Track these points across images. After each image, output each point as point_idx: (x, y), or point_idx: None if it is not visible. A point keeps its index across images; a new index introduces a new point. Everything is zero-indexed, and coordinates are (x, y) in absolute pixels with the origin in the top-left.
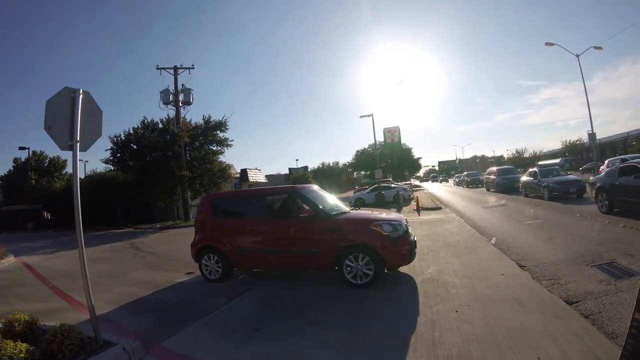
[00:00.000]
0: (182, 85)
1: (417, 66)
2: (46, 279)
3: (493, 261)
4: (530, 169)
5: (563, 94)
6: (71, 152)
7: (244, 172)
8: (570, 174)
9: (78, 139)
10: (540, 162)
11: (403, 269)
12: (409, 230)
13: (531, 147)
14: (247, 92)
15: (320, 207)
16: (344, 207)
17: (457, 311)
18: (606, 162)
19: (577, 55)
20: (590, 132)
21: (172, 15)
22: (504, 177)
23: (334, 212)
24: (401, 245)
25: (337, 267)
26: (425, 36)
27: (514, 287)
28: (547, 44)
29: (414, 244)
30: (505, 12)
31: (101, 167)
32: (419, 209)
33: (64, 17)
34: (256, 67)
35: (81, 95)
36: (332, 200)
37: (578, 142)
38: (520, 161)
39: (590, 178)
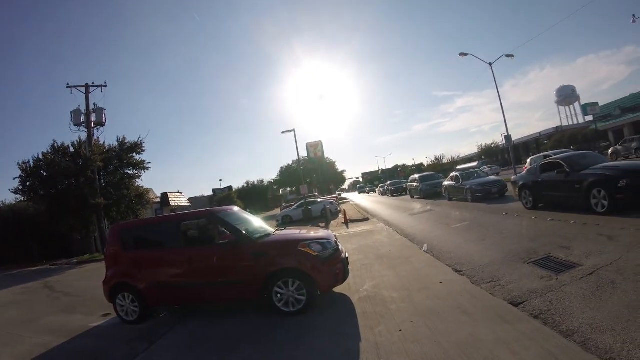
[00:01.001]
0: (94, 104)
1: (336, 81)
2: None
3: (428, 269)
4: (452, 174)
5: (476, 102)
6: None
7: (164, 196)
8: (490, 176)
9: None
10: (458, 167)
11: (338, 289)
12: (340, 247)
13: (449, 153)
14: (166, 112)
15: (242, 230)
16: (268, 229)
17: (400, 330)
18: (529, 159)
19: (490, 64)
20: (506, 134)
21: (85, 30)
22: (426, 183)
23: (257, 235)
24: (333, 265)
25: (266, 295)
26: (342, 52)
27: (455, 295)
28: (461, 54)
29: (346, 261)
30: (416, 27)
31: (11, 198)
32: (347, 222)
33: None
34: (176, 87)
35: None
36: (254, 221)
37: (493, 145)
38: (440, 167)
39: (512, 177)
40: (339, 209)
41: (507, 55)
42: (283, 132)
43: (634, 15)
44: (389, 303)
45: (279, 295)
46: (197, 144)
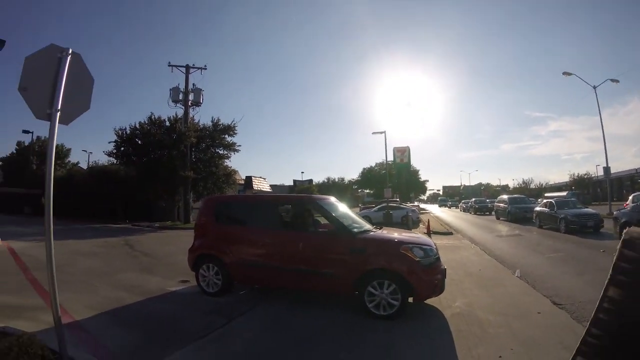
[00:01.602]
0: (193, 84)
1: (424, 90)
2: (28, 268)
3: (524, 296)
4: (546, 200)
5: (570, 127)
6: (49, 122)
7: (248, 179)
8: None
9: (59, 108)
10: (546, 194)
11: (428, 301)
12: (439, 257)
13: (536, 178)
14: (255, 100)
15: (342, 222)
16: (366, 225)
17: (500, 357)
18: (631, 197)
19: (594, 87)
20: (605, 166)
21: (185, 16)
22: (516, 206)
23: (356, 230)
24: (433, 274)
25: (357, 293)
26: (433, 61)
27: (556, 329)
28: (564, 73)
29: (444, 273)
30: (511, 42)
31: (103, 160)
32: (429, 233)
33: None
34: (266, 78)
35: (69, 57)
36: (353, 215)
37: (586, 176)
38: (527, 191)
39: (614, 212)
40: (419, 218)
41: (612, 80)
42: (374, 133)
43: None
44: (485, 325)
45: (371, 296)
46: (282, 136)
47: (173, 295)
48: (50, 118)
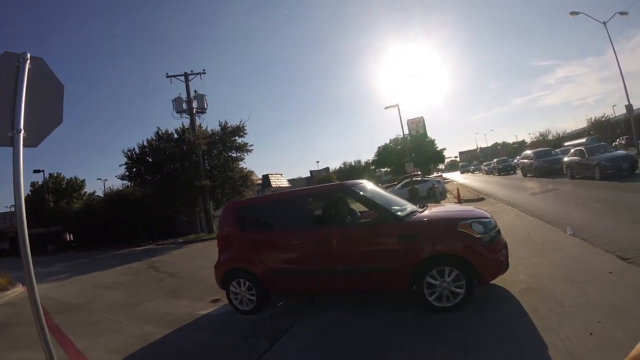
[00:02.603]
0: (195, 91)
1: (427, 58)
2: (49, 314)
3: (587, 256)
4: (576, 148)
5: (578, 71)
6: (11, 147)
7: (265, 177)
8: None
9: (21, 128)
10: (566, 143)
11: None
12: (499, 229)
13: (552, 128)
14: (262, 97)
15: (385, 207)
16: (410, 205)
17: (591, 333)
18: None
19: (604, 23)
20: (627, 103)
21: (180, 21)
22: (542, 159)
23: (402, 213)
24: (497, 250)
25: (414, 287)
26: (433, 22)
27: (635, 288)
28: (572, 13)
29: (507, 247)
30: None
31: (118, 184)
32: (460, 202)
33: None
34: (269, 72)
35: (28, 63)
36: (392, 197)
37: (604, 118)
38: (545, 144)
39: None
40: (445, 188)
41: (621, 13)
42: (386, 108)
43: None
44: (560, 298)
45: (431, 288)
46: (292, 128)
47: (205, 319)
48: (12, 142)
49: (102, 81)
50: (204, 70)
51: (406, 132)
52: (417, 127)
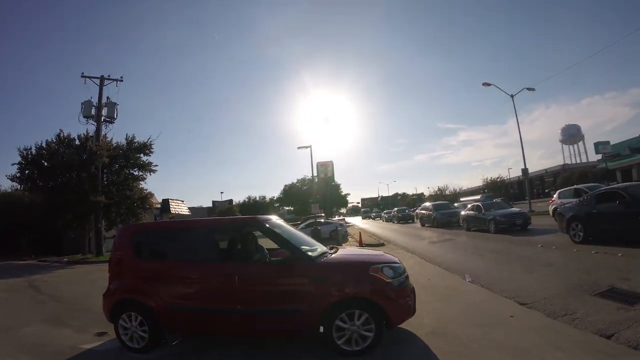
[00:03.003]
0: (107, 98)
1: (341, 106)
2: None
3: (487, 302)
4: (473, 204)
5: (479, 136)
6: None
7: (165, 202)
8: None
9: None
10: (462, 198)
11: None
12: (407, 274)
13: (450, 184)
14: (174, 117)
15: (297, 246)
16: (321, 246)
17: None
18: (557, 192)
19: (512, 96)
20: (523, 167)
21: (101, 26)
22: (441, 212)
23: (314, 254)
24: (406, 295)
25: (322, 330)
26: (349, 78)
27: (537, 330)
28: (484, 84)
29: (414, 291)
30: (423, 58)
31: (6, 185)
32: (362, 246)
33: None
34: (185, 97)
35: None
36: (303, 236)
37: (498, 179)
38: (442, 198)
39: (557, 208)
40: (347, 231)
41: (529, 89)
42: (299, 148)
43: None
44: (466, 341)
45: (340, 331)
46: (199, 155)
47: (89, 356)
48: None
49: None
50: (121, 77)
51: (315, 173)
52: (326, 170)
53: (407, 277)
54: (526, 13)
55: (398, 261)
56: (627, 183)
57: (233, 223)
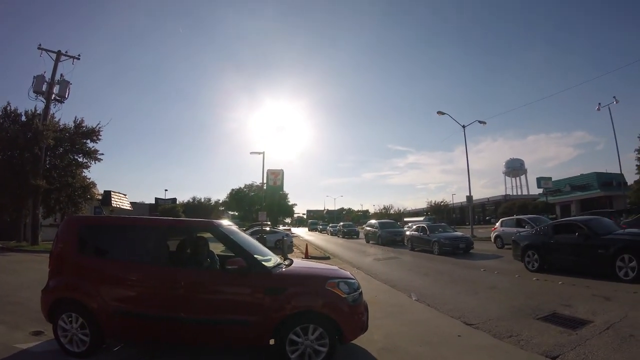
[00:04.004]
0: (61, 75)
1: (294, 118)
2: None
3: (435, 320)
4: (418, 225)
5: (426, 161)
6: None
7: (107, 194)
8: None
9: None
10: (406, 219)
11: None
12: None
13: (395, 204)
14: (127, 105)
15: (253, 255)
16: (274, 256)
17: None
18: (500, 221)
19: (464, 126)
20: (468, 194)
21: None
22: (386, 230)
23: (269, 264)
24: (360, 310)
25: (273, 343)
26: (304, 92)
27: (485, 350)
28: (439, 112)
29: (367, 307)
30: (380, 81)
31: None
32: (308, 258)
33: None
34: (143, 81)
35: None
36: (258, 245)
37: (442, 203)
38: (387, 216)
39: (512, 237)
40: (292, 242)
41: (480, 122)
42: (252, 153)
43: (599, 104)
44: (416, 358)
45: (294, 345)
46: (146, 148)
47: (24, 357)
48: None
49: None
50: (79, 55)
51: (265, 180)
52: (276, 178)
53: (361, 293)
54: (482, 49)
55: (353, 277)
56: (584, 217)
57: (188, 225)
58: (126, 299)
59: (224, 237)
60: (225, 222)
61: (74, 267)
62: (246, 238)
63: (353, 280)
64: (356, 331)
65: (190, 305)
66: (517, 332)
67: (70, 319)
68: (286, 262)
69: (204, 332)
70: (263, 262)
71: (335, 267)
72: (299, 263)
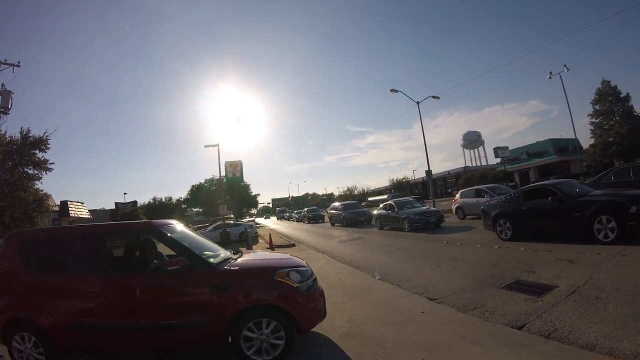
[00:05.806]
0: (2, 85)
1: (252, 106)
2: None
3: (398, 299)
4: (386, 202)
5: (386, 139)
6: None
7: (64, 204)
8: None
9: None
10: (370, 198)
11: None
12: (316, 277)
13: (359, 184)
14: (74, 111)
15: (196, 252)
16: (224, 251)
17: None
18: (460, 192)
19: (418, 103)
20: (427, 169)
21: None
22: (350, 211)
23: (215, 260)
24: (315, 299)
25: (230, 341)
26: (260, 79)
27: (450, 325)
28: (392, 90)
29: (323, 294)
30: (335, 64)
31: None
32: (272, 247)
33: None
34: (90, 84)
35: None
36: (204, 241)
37: (404, 179)
38: (351, 197)
39: (482, 207)
40: (257, 233)
41: (434, 97)
42: (206, 146)
43: (550, 72)
44: (381, 340)
45: (249, 341)
46: (101, 153)
47: None
48: None
49: None
50: (19, 62)
51: (223, 173)
52: (235, 170)
53: (315, 280)
54: (432, 27)
55: (305, 264)
56: (555, 180)
57: (127, 228)
58: (73, 312)
59: (162, 236)
60: (171, 222)
61: (20, 284)
62: (192, 236)
63: (305, 268)
64: (313, 320)
65: (137, 311)
66: (481, 304)
67: (23, 339)
68: (236, 256)
69: (158, 338)
70: (210, 259)
71: (288, 256)
72: (249, 256)
